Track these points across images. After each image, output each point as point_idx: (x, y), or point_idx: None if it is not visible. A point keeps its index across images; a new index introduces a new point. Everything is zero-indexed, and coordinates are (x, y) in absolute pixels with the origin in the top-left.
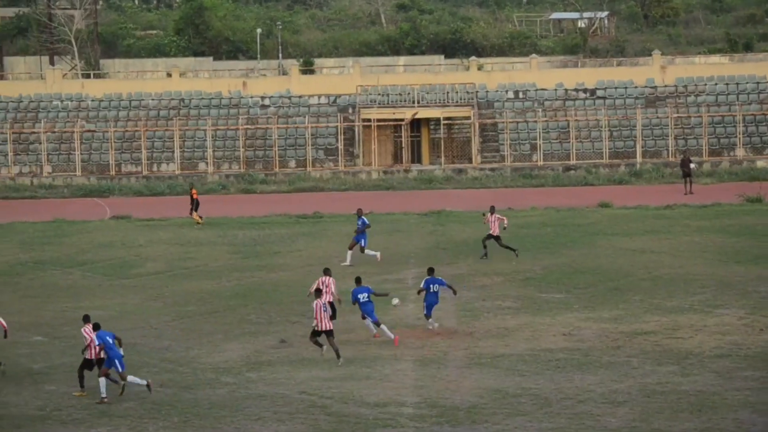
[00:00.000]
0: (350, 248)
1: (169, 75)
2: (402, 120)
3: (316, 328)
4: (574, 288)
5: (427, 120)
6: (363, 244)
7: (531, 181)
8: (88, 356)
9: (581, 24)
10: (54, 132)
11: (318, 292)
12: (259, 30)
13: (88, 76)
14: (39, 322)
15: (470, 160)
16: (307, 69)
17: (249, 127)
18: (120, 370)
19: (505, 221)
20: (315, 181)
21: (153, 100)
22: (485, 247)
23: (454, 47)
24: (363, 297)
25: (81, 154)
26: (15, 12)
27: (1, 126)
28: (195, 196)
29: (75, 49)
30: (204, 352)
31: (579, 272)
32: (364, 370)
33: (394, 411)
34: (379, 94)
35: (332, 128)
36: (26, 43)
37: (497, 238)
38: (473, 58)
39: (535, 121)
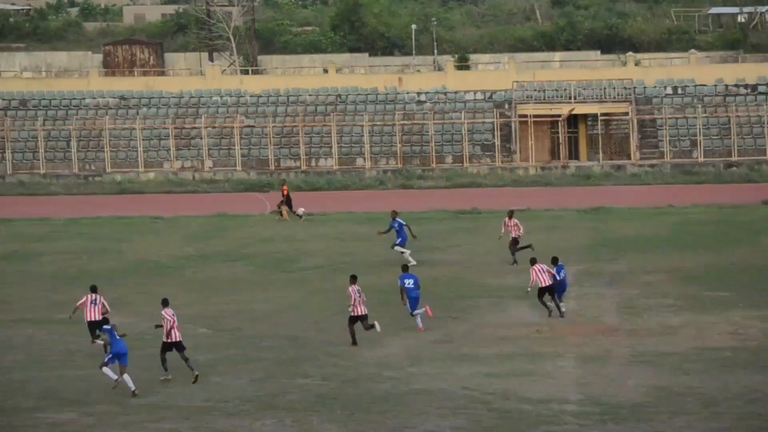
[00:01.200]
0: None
1: (325, 71)
2: (558, 116)
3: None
4: (738, 286)
5: (585, 116)
6: (398, 242)
7: (691, 177)
8: (166, 340)
9: (741, 19)
10: (214, 127)
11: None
12: (414, 26)
13: (246, 72)
14: (204, 315)
15: (629, 156)
16: (462, 65)
17: (405, 122)
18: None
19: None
20: (472, 176)
21: (310, 95)
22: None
23: (611, 43)
24: (408, 283)
25: (241, 149)
26: (175, 9)
27: (163, 121)
28: (286, 193)
29: (233, 45)
30: (365, 347)
31: (743, 270)
32: (526, 367)
33: (556, 408)
34: (535, 90)
35: (488, 124)
36: (186, 40)
37: (515, 241)
38: (630, 53)
39: (695, 117)
